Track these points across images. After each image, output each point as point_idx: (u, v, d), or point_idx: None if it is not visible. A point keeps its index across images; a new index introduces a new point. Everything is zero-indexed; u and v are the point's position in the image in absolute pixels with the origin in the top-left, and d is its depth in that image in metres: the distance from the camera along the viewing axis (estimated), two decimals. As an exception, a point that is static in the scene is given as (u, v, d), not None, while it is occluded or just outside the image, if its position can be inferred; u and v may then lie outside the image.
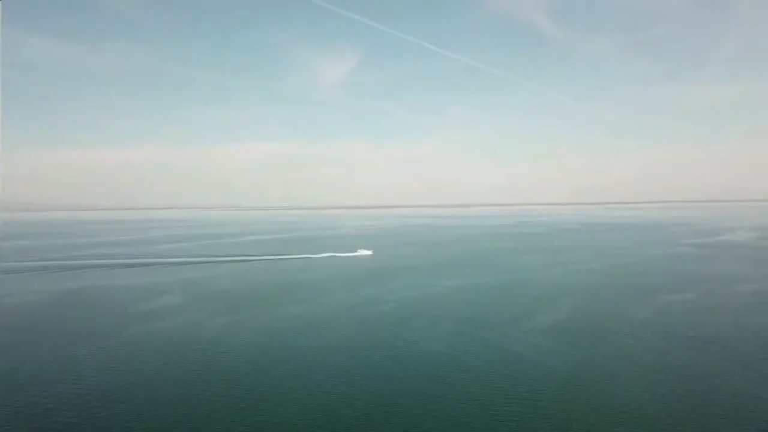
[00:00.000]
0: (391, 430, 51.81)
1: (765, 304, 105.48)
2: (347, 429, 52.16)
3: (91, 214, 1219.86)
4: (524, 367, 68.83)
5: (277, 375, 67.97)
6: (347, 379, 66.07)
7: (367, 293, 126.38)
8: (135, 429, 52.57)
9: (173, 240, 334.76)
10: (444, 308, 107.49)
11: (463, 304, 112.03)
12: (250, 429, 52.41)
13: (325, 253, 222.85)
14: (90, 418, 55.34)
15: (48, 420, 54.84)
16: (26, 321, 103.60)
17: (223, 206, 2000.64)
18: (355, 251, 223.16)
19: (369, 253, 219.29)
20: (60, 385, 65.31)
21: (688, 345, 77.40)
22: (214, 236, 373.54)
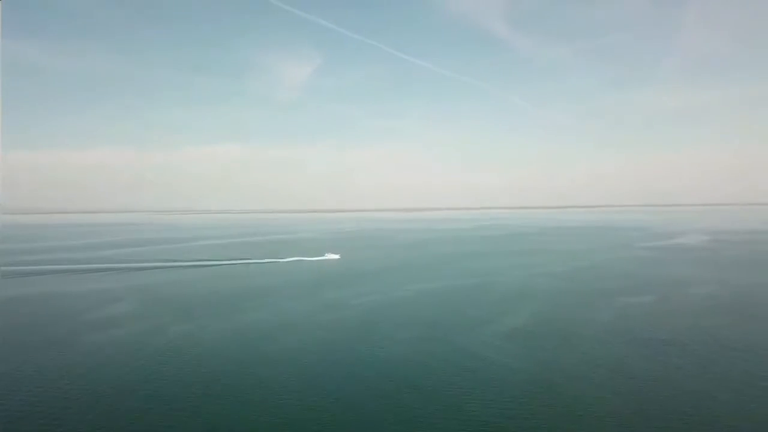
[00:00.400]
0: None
1: (718, 307, 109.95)
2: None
3: (52, 217, 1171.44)
4: (489, 371, 69.32)
5: (243, 380, 66.41)
6: (314, 383, 65.05)
7: (334, 297, 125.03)
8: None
9: (137, 244, 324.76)
10: (411, 312, 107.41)
11: (429, 307, 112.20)
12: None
13: (292, 257, 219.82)
14: (47, 427, 53.40)
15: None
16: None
17: (183, 210, 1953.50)
18: (323, 255, 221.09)
19: (336, 257, 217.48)
20: (18, 393, 62.95)
21: (649, 347, 79.38)
22: (180, 240, 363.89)
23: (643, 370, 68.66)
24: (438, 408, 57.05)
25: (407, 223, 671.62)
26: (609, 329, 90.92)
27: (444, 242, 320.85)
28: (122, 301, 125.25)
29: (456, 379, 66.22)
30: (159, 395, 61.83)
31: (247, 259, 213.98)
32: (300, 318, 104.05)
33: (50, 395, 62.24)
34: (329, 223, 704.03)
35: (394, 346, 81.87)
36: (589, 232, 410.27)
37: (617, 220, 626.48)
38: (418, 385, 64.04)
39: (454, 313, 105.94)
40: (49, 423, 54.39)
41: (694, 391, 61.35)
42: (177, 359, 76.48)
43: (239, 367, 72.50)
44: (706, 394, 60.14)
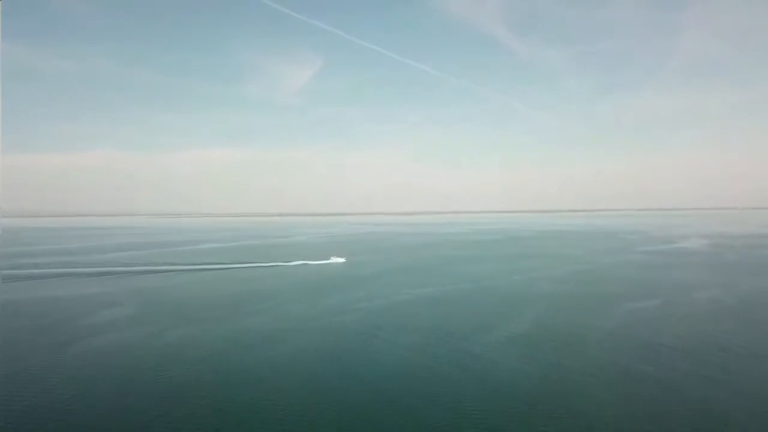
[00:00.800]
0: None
1: (722, 311, 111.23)
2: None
3: (52, 220, 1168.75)
4: (496, 376, 69.78)
5: (248, 384, 67.58)
6: (320, 388, 66.03)
7: (342, 301, 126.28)
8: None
9: (139, 247, 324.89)
10: (418, 316, 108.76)
11: (436, 311, 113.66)
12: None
13: (297, 260, 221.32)
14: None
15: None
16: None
17: (181, 213, 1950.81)
18: (328, 259, 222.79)
19: (342, 260, 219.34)
20: (18, 397, 63.56)
21: (654, 355, 78.88)
22: (182, 243, 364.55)
23: (651, 380, 68.06)
24: (444, 413, 57.63)
25: (408, 226, 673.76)
26: (613, 334, 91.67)
27: (445, 246, 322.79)
28: (124, 304, 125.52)
29: (463, 384, 66.89)
30: (161, 400, 62.25)
31: (251, 263, 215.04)
32: (308, 322, 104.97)
33: (51, 400, 62.54)
34: (330, 226, 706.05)
35: (401, 351, 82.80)
36: (587, 236, 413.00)
37: (615, 224, 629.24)
38: (425, 391, 64.39)
39: (461, 317, 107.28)
40: (50, 428, 54.89)
41: (703, 397, 61.92)
42: (180, 364, 76.74)
43: (244, 371, 73.04)
44: (716, 401, 60.73)
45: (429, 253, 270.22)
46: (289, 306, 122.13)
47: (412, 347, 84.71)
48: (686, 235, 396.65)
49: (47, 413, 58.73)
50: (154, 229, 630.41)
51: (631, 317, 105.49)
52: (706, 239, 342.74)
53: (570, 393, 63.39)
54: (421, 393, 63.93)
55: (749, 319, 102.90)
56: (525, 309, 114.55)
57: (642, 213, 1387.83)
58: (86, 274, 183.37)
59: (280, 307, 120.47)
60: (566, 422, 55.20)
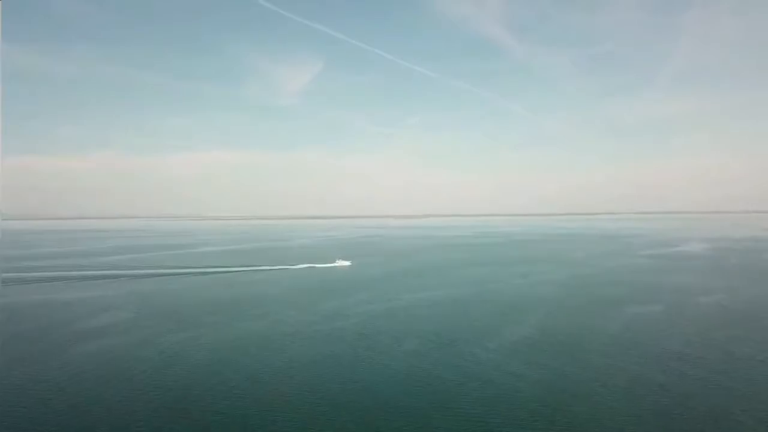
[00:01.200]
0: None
1: (729, 316, 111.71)
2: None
3: (52, 223, 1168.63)
4: (496, 385, 69.13)
5: (251, 388, 68.42)
6: (327, 393, 66.58)
7: (353, 303, 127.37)
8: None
9: (141, 250, 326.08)
10: (426, 319, 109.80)
11: (443, 314, 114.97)
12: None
13: (303, 264, 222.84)
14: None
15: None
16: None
17: (182, 216, 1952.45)
18: (334, 262, 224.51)
19: (347, 263, 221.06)
20: (17, 401, 64.30)
21: (660, 362, 78.26)
22: (185, 246, 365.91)
23: (658, 387, 66.88)
24: (447, 419, 57.92)
25: (408, 230, 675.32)
26: (620, 340, 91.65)
27: (448, 249, 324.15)
28: (128, 308, 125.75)
29: (467, 390, 66.97)
30: (163, 403, 62.70)
31: (257, 266, 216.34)
32: (317, 325, 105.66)
33: (51, 402, 63.00)
34: (331, 229, 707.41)
35: (407, 356, 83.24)
36: (588, 239, 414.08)
37: (614, 228, 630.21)
38: (429, 397, 64.68)
39: (466, 321, 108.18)
40: (50, 429, 55.57)
41: (710, 404, 61.71)
42: (184, 367, 77.15)
43: (249, 375, 73.43)
44: (722, 407, 60.55)
45: (431, 256, 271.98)
46: (298, 309, 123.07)
47: (418, 351, 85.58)
48: (688, 238, 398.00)
49: (47, 415, 59.34)
50: (157, 232, 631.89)
51: (635, 322, 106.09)
52: (708, 243, 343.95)
53: (575, 399, 63.37)
54: (425, 398, 64.39)
55: (754, 324, 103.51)
56: (529, 313, 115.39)
57: (643, 216, 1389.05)
58: (90, 277, 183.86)
59: (290, 310, 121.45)
60: (570, 429, 55.38)
